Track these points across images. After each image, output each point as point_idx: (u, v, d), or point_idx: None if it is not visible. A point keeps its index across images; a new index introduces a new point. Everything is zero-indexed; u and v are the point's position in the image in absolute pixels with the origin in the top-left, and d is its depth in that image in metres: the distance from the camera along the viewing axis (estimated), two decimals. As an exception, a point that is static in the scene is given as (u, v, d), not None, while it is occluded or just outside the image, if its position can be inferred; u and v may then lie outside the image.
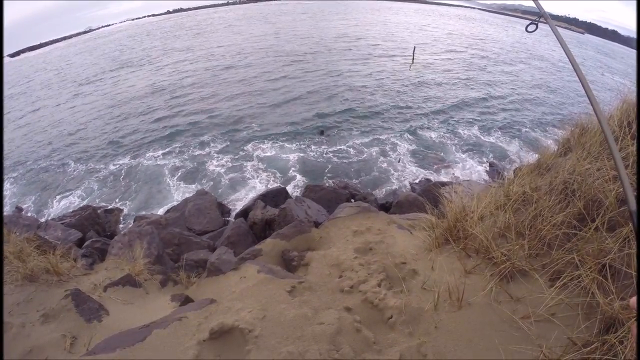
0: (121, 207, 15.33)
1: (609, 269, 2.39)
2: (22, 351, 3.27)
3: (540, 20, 2.74)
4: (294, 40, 53.99)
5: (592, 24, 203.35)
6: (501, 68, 38.90)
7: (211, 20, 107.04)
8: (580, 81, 2.04)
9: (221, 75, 36.37)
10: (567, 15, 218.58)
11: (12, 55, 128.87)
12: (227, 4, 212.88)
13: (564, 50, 2.36)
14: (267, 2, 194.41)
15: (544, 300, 2.52)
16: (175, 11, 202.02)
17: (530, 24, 2.79)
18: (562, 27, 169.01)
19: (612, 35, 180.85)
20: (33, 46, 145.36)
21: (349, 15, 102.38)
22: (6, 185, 19.65)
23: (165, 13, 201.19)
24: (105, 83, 40.15)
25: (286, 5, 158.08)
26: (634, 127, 3.44)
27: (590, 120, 4.26)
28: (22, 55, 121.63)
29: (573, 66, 2.18)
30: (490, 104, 26.72)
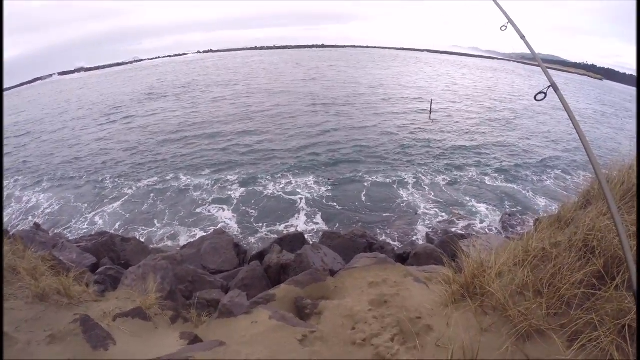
0: (140, 236, 15.59)
1: (628, 330, 2.31)
2: (24, 369, 3.21)
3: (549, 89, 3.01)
4: (329, 87, 55.57)
5: (610, 69, 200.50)
6: (526, 119, 38.69)
7: (249, 63, 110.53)
8: (582, 142, 2.10)
9: (254, 114, 37.98)
10: (585, 62, 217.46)
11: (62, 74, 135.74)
12: (256, 48, 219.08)
13: (572, 121, 2.43)
14: (298, 49, 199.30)
15: (561, 362, 2.43)
16: (205, 52, 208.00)
17: (539, 93, 3.03)
18: (580, 74, 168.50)
19: (630, 79, 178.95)
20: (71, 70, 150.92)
21: (381, 64, 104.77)
22: (31, 197, 20.80)
23: (197, 53, 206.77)
24: (140, 111, 42.65)
25: (318, 52, 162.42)
26: None
27: (610, 172, 4.20)
28: (56, 77, 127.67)
29: (577, 131, 2.23)
30: (512, 152, 26.57)
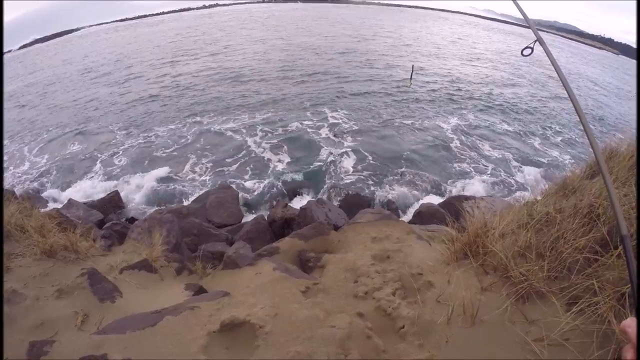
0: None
1: (627, 298, 2.34)
2: (33, 323, 3.32)
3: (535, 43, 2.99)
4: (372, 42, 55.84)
5: (628, 45, 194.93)
6: (549, 88, 37.40)
7: (273, 16, 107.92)
8: (573, 103, 2.09)
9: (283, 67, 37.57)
10: (602, 36, 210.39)
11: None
12: (263, 1, 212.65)
13: (559, 76, 2.40)
14: (306, 3, 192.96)
15: (559, 324, 2.48)
16: (211, 6, 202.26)
17: (526, 48, 3.09)
18: (596, 46, 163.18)
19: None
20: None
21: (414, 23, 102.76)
22: (35, 154, 20.42)
23: (202, 8, 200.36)
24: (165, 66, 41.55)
25: (333, 8, 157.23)
26: None
27: (619, 143, 4.14)
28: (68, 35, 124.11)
29: (566, 89, 2.22)
30: (525, 118, 26.03)
